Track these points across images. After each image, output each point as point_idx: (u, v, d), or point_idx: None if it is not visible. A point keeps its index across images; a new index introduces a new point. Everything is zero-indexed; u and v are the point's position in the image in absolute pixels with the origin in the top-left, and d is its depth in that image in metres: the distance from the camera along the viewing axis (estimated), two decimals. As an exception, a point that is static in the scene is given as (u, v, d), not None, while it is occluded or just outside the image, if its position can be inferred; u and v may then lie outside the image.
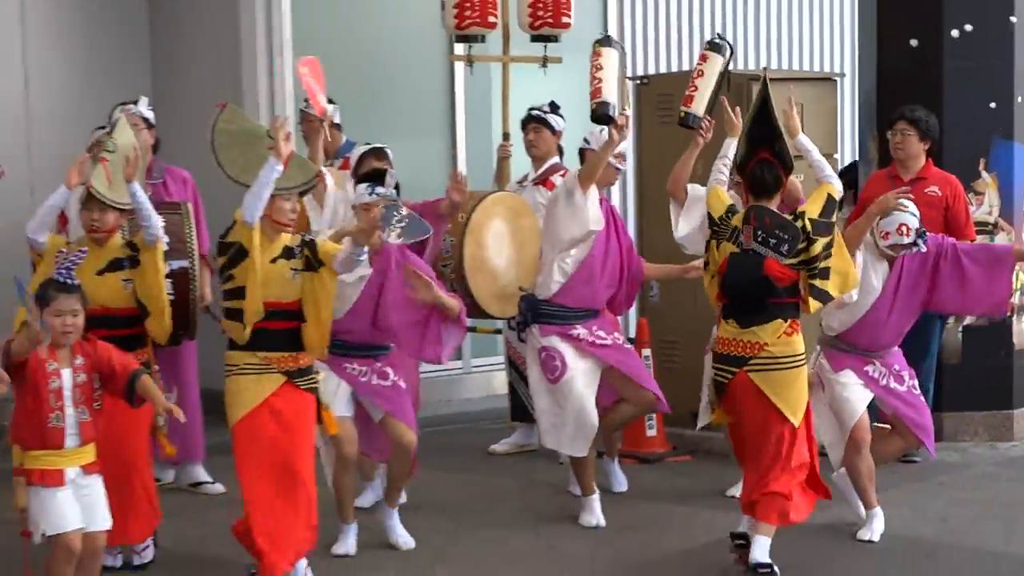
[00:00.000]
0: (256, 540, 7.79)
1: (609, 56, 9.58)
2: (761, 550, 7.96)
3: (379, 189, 8.20)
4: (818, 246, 7.93)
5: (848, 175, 11.11)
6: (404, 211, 8.10)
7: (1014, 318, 10.84)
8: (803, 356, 8.12)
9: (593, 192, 9.12)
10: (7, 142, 11.86)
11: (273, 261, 7.79)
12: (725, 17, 14.58)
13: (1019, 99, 11.10)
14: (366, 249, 7.88)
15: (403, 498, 8.94)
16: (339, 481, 8.61)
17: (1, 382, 6.81)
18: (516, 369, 10.92)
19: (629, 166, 10.64)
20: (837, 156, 11.60)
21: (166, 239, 8.46)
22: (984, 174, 10.94)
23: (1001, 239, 10.86)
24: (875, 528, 8.82)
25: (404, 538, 8.75)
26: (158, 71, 12.70)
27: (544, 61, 11.19)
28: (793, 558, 8.32)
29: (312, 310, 7.85)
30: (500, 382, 12.17)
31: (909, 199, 8.62)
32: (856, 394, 8.72)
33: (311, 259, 7.79)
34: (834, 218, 8.08)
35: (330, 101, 9.97)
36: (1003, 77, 11.08)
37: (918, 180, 10.06)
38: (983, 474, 10.37)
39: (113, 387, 7.34)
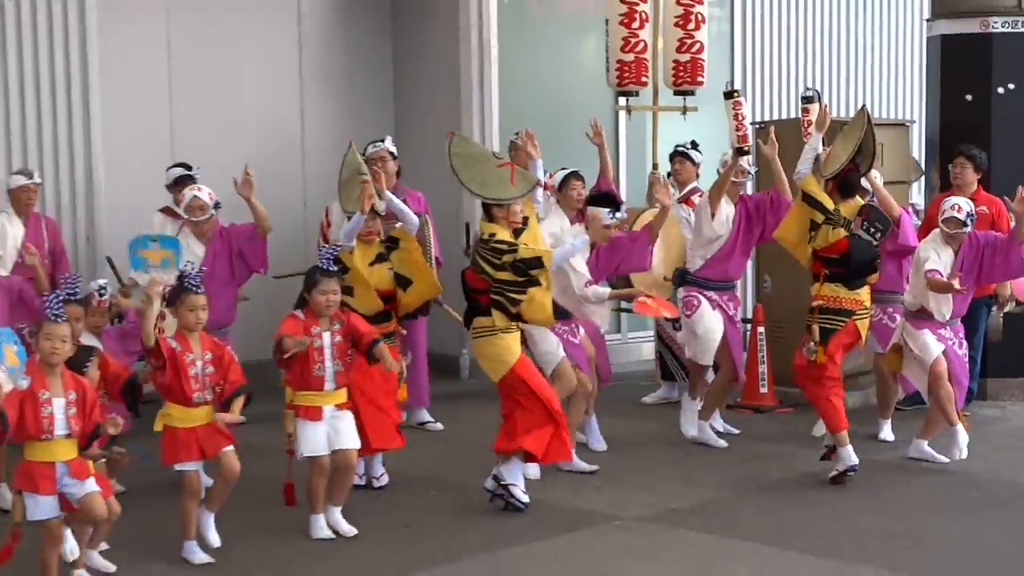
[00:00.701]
0: (524, 441, 7.81)
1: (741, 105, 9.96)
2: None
3: (618, 215, 8.29)
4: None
5: None
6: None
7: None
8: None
9: (721, 207, 9.37)
10: (287, 162, 12.08)
11: None
12: (822, 75, 14.45)
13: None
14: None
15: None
16: (572, 411, 8.60)
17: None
18: (662, 340, 11.09)
19: (751, 189, 10.57)
20: (909, 182, 11.58)
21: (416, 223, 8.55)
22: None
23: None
24: (960, 442, 8.80)
25: (580, 465, 8.76)
26: (399, 113, 12.72)
27: (684, 110, 11.30)
28: (870, 486, 8.46)
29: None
30: (649, 350, 12.18)
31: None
32: (932, 341, 8.78)
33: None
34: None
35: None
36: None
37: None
38: (1018, 426, 10.34)
39: (359, 349, 7.42)
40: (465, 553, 7.17)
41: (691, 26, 11.14)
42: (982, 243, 8.91)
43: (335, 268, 7.52)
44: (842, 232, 8.49)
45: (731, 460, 9.19)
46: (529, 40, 12.53)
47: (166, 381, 6.86)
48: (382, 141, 9.98)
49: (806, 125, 10.12)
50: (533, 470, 8.38)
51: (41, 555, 6.37)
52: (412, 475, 8.76)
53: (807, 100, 10.35)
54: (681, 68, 11.16)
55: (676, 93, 11.32)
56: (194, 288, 6.98)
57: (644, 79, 11.13)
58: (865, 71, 14.98)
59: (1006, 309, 10.29)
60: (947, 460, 8.86)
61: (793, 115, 12.86)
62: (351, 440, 7.47)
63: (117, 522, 6.75)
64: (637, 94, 11.27)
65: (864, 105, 9.63)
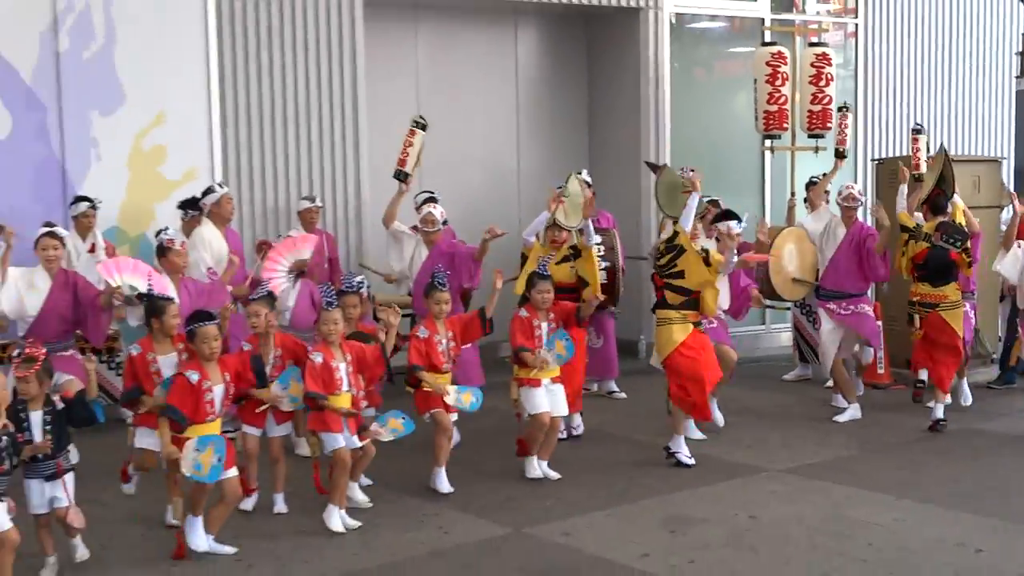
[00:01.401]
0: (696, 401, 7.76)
1: None
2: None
3: (743, 224, 8.06)
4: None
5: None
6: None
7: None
8: (960, 301, 8.75)
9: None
10: (504, 189, 12.11)
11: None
12: (928, 117, 13.95)
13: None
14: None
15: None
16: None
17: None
18: (797, 330, 10.96)
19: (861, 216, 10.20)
20: (1001, 207, 11.05)
21: (599, 241, 8.58)
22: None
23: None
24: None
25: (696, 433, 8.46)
26: (593, 148, 12.58)
27: (816, 149, 11.19)
28: (965, 450, 8.37)
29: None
30: (787, 338, 12.03)
31: None
32: None
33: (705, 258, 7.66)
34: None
35: None
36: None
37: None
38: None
39: (568, 324, 7.50)
40: (645, 494, 7.23)
41: (822, 83, 11.12)
42: None
43: (547, 274, 7.57)
44: (924, 244, 8.78)
45: (856, 426, 9.05)
46: (695, 94, 12.43)
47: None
48: (580, 172, 9.76)
49: (915, 151, 10.06)
50: (698, 434, 8.45)
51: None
52: (606, 432, 8.86)
53: (916, 131, 10.24)
54: (814, 116, 11.13)
55: (810, 136, 11.24)
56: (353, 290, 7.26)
57: (785, 125, 11.12)
58: (967, 117, 14.43)
59: None
60: None
61: (905, 152, 12.48)
62: (561, 408, 7.54)
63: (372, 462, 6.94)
64: (780, 137, 11.26)
65: (943, 144, 9.73)
